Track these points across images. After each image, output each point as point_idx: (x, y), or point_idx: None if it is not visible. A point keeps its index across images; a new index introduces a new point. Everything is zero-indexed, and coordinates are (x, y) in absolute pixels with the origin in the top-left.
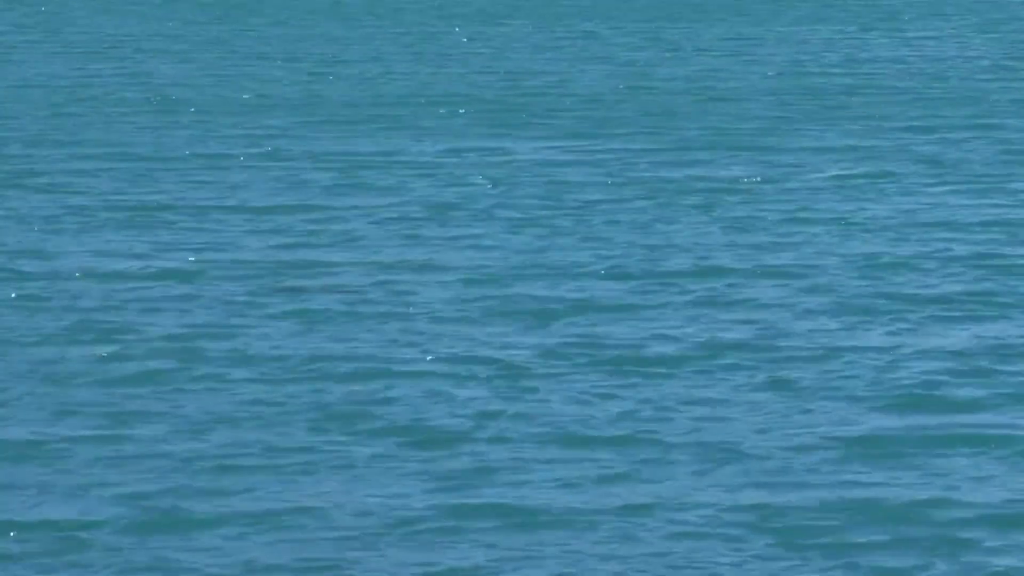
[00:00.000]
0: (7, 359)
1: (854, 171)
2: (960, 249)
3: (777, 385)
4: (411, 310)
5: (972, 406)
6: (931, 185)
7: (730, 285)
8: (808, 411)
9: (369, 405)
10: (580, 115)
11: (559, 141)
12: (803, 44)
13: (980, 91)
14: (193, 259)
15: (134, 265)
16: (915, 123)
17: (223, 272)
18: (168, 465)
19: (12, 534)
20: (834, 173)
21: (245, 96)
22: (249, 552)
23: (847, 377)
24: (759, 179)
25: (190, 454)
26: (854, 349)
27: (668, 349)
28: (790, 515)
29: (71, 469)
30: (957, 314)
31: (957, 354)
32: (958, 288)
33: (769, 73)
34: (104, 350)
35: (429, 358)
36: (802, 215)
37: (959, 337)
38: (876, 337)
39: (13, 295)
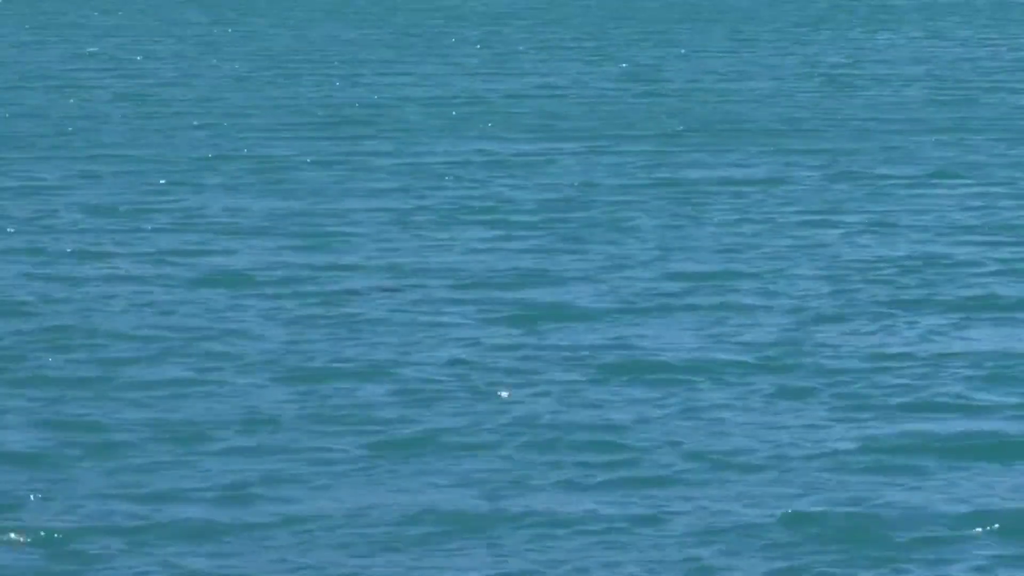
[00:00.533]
0: (7, 361)
1: (865, 173)
2: (974, 252)
3: (793, 393)
4: (413, 311)
5: (998, 413)
6: (945, 188)
7: (741, 289)
8: (826, 417)
9: (373, 408)
10: (583, 116)
11: (561, 142)
12: (810, 45)
13: (991, 92)
14: (193, 261)
15: (133, 266)
16: (925, 124)
17: (224, 274)
18: (172, 469)
19: (14, 538)
20: (844, 176)
21: (246, 97)
22: (257, 556)
23: (864, 383)
24: (768, 181)
25: (194, 458)
26: (873, 355)
27: (678, 354)
28: (813, 522)
29: (72, 475)
30: (979, 318)
31: (981, 360)
32: (979, 292)
33: (776, 74)
34: (107, 353)
35: (432, 361)
36: (814, 218)
37: (982, 342)
38: (893, 342)
39: (13, 298)
